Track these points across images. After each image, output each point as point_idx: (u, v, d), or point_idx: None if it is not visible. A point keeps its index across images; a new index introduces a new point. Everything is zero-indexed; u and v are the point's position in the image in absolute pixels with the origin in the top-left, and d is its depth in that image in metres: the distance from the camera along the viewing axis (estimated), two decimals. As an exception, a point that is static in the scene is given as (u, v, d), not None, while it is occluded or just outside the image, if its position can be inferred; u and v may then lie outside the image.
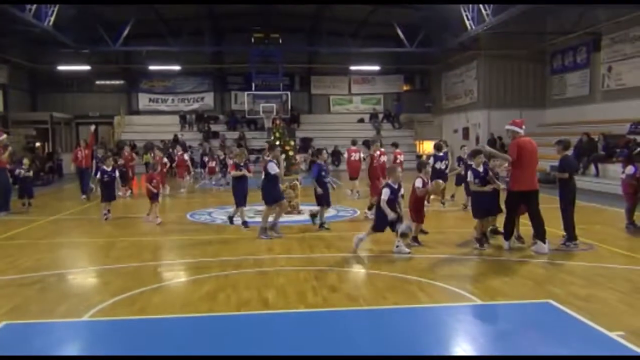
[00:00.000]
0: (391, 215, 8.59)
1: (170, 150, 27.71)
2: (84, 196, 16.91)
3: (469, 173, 9.52)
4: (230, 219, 11.98)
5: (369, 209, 12.34)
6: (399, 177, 8.96)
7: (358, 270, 8.22)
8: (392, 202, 8.76)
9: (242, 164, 11.70)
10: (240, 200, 11.49)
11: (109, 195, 12.97)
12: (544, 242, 8.73)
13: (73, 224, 12.88)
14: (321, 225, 11.30)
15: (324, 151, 12.31)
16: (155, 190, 12.33)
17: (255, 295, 6.63)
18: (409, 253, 8.73)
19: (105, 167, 13.09)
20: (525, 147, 8.72)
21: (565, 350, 4.89)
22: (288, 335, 5.39)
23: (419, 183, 9.43)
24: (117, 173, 13.42)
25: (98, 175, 13.35)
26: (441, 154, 14.39)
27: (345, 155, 19.19)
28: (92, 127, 18.98)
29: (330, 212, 13.60)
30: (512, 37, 25.30)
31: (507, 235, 9.07)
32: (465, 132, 29.81)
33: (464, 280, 7.26)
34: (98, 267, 8.41)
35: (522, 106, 27.11)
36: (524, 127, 8.97)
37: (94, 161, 17.42)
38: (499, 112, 27.14)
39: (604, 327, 5.33)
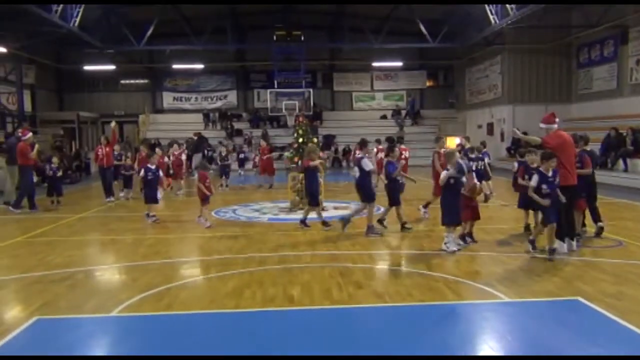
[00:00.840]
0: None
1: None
2: (107, 199, 15.75)
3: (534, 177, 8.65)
4: (304, 221, 11.15)
5: (425, 206, 12.02)
6: (455, 162, 8.60)
7: (383, 267, 8.19)
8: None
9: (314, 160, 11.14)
10: (316, 198, 11.15)
11: (152, 196, 12.35)
12: (564, 242, 8.33)
13: (101, 221, 13.06)
14: (380, 222, 10.62)
15: (396, 148, 11.42)
16: (208, 193, 11.51)
17: (281, 291, 6.66)
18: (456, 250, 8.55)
19: (149, 165, 12.61)
20: (567, 139, 8.50)
21: (594, 349, 4.81)
22: (314, 331, 5.39)
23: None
24: (160, 172, 12.94)
25: (142, 173, 12.76)
26: (474, 155, 14.30)
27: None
28: (113, 123, 16.79)
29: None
30: (537, 30, 24.94)
31: (564, 234, 8.38)
32: (490, 128, 29.49)
33: (491, 278, 7.18)
34: (126, 263, 8.53)
35: (547, 101, 26.73)
36: (557, 119, 8.67)
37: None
38: (523, 107, 26.84)
39: (635, 325, 5.24)
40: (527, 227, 9.89)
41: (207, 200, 11.68)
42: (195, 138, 29.16)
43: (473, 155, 13.55)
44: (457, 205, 8.60)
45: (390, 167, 10.60)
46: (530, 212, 9.68)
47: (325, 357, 4.71)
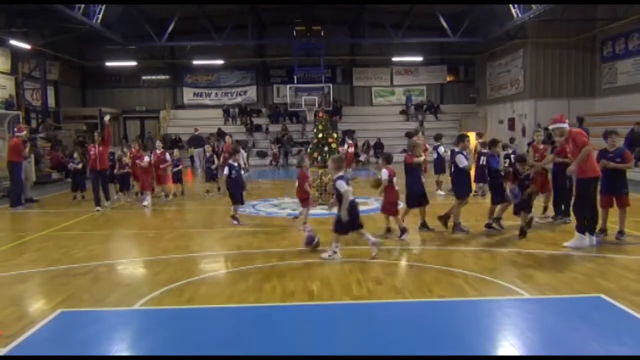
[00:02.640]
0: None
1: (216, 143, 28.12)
2: (97, 207, 13.41)
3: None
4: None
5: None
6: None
7: (403, 263, 8.17)
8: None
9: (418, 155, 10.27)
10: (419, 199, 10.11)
11: (238, 195, 11.35)
12: (584, 235, 8.37)
13: (123, 215, 13.22)
14: (498, 220, 10.00)
15: (500, 143, 10.96)
16: (306, 195, 10.44)
17: (300, 286, 6.69)
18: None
19: (232, 162, 11.56)
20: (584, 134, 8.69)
21: (618, 347, 4.74)
22: (333, 326, 5.41)
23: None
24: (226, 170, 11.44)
25: (225, 171, 11.43)
26: (437, 143, 15.27)
27: None
28: (107, 117, 13.78)
29: (372, 205, 13.59)
30: (560, 24, 24.62)
31: (585, 228, 8.44)
32: (511, 123, 29.19)
33: (511, 274, 7.12)
34: (147, 258, 8.63)
35: (569, 95, 26.42)
36: (566, 120, 8.85)
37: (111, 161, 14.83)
38: (546, 102, 26.52)
39: (660, 323, 5.16)
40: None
41: (308, 202, 10.44)
42: (196, 133, 28.77)
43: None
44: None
45: (494, 161, 10.23)
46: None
47: (326, 357, 4.69)
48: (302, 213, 10.49)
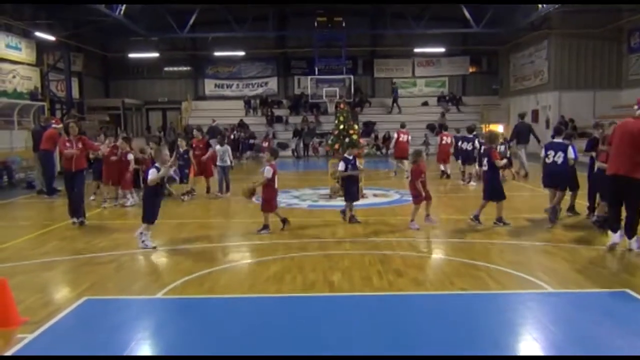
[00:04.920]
0: None
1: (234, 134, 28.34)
2: (73, 218, 10.44)
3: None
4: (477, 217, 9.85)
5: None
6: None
7: (424, 255, 8.14)
8: None
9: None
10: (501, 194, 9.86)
11: (353, 193, 10.45)
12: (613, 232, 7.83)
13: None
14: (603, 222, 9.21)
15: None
16: (417, 193, 9.69)
17: (321, 277, 6.70)
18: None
19: (347, 156, 10.62)
20: (619, 126, 8.01)
21: (643, 342, 4.68)
22: (353, 317, 5.41)
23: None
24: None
25: (341, 167, 10.31)
26: (470, 135, 15.98)
27: (395, 136, 19.01)
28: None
29: (394, 197, 13.56)
30: (585, 14, 24.15)
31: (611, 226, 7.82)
32: (535, 115, 28.79)
33: (534, 268, 7.04)
34: (169, 247, 8.71)
35: (595, 87, 25.98)
36: None
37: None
38: (570, 94, 26.13)
39: (687, 319, 5.07)
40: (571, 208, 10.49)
41: (420, 199, 9.70)
42: (213, 124, 28.45)
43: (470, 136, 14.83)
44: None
45: (573, 149, 9.82)
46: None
47: (328, 357, 4.67)
48: (413, 213, 9.77)
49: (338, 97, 29.98)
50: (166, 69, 35.85)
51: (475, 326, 5.13)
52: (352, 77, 32.62)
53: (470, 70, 35.72)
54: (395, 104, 33.91)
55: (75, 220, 10.44)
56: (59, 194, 14.65)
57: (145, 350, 4.76)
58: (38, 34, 23.88)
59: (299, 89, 35.39)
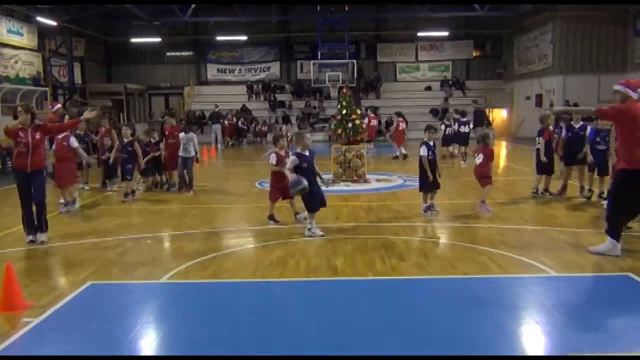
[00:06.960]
0: None
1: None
2: (29, 237, 7.89)
3: None
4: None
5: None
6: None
7: (427, 240, 8.14)
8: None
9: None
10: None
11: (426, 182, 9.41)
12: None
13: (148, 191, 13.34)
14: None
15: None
16: (488, 173, 9.63)
17: (324, 262, 6.72)
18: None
19: (428, 141, 9.39)
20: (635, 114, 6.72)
21: (646, 325, 4.69)
22: (356, 302, 5.44)
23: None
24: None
25: (423, 152, 9.20)
26: (464, 119, 17.37)
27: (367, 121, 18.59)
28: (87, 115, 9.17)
29: (397, 182, 13.55)
30: (591, -3, 23.91)
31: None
32: (539, 99, 28.66)
33: (537, 252, 7.04)
34: (173, 232, 8.75)
35: (600, 70, 25.80)
36: None
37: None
38: (575, 78, 25.99)
39: (689, 303, 5.08)
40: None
41: (488, 180, 9.62)
42: (216, 109, 28.39)
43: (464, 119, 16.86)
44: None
45: (593, 134, 10.24)
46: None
47: (328, 357, 4.70)
48: (484, 194, 9.67)
49: (341, 81, 29.89)
50: (168, 53, 35.76)
51: (478, 310, 5.14)
52: (354, 61, 32.49)
53: (474, 54, 35.54)
54: (377, 89, 34.06)
55: (31, 238, 7.88)
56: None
57: (151, 334, 4.80)
58: (39, 18, 23.78)
59: (302, 73, 35.26)
